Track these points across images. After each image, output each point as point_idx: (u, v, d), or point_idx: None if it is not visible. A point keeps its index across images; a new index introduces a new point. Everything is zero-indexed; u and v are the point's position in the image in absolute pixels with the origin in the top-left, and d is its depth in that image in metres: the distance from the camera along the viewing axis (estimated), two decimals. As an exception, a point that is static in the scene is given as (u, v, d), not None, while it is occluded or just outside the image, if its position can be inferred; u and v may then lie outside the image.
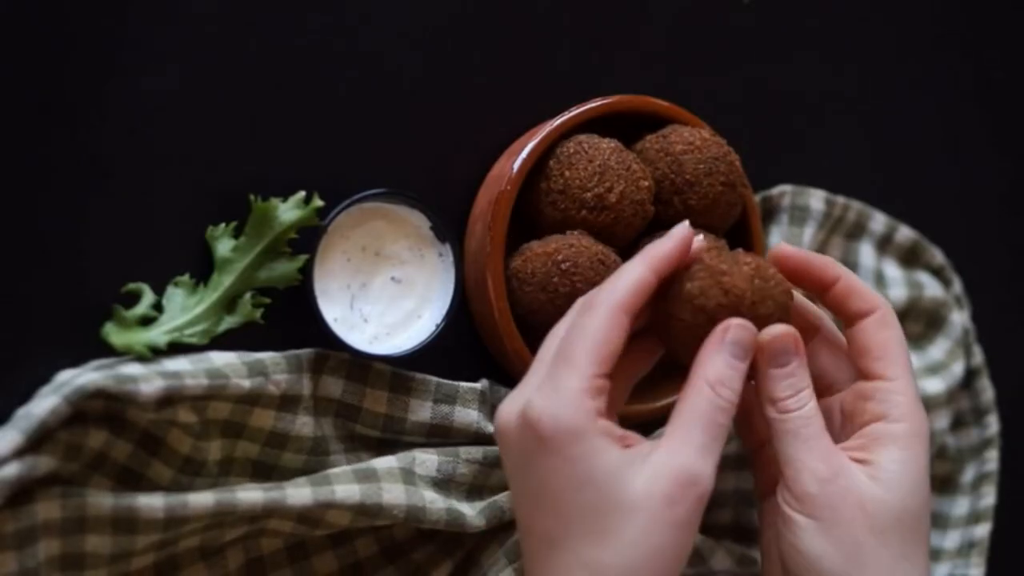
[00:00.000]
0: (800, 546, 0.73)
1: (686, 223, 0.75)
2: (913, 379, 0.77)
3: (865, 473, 0.73)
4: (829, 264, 0.78)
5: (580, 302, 0.75)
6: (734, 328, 0.72)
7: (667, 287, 0.74)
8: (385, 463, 0.82)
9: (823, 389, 0.79)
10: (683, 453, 0.70)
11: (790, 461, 0.73)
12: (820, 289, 0.78)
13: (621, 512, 0.69)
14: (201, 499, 0.75)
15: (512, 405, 0.73)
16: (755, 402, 0.77)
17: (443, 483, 0.83)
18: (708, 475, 0.70)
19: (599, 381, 0.71)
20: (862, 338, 0.77)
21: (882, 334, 0.77)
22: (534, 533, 0.72)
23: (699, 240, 0.76)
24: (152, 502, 0.74)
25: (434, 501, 0.82)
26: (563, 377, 0.70)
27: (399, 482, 0.81)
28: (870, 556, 0.72)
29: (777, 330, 0.74)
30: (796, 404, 0.74)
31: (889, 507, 0.73)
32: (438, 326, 0.83)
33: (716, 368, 0.72)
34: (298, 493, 0.78)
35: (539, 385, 0.71)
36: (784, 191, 0.94)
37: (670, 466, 0.70)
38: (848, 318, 0.78)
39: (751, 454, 0.82)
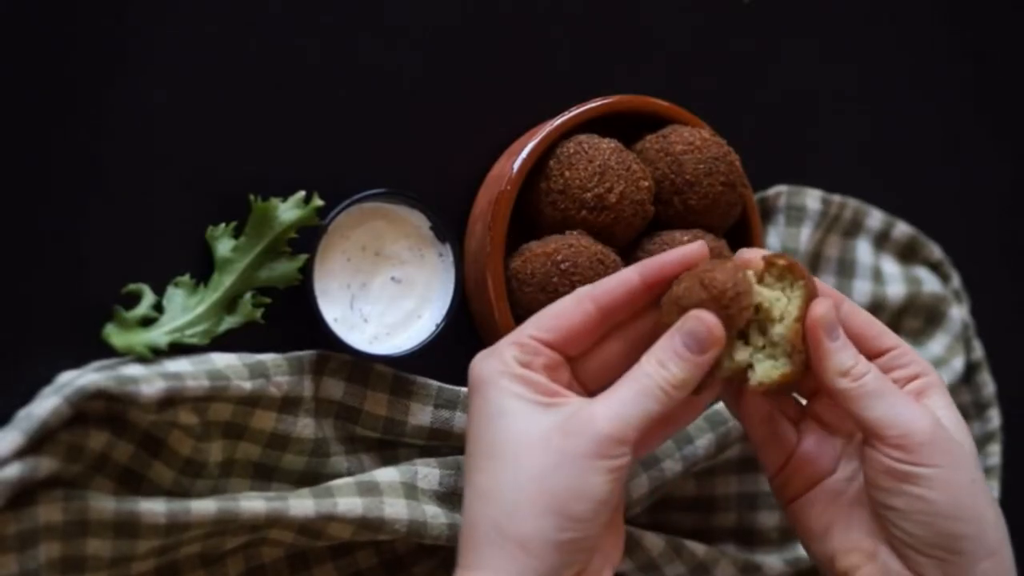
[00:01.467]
0: (931, 496, 0.72)
1: (704, 246, 0.75)
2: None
3: (949, 423, 0.75)
4: (886, 332, 0.78)
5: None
6: (690, 319, 0.71)
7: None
8: (388, 476, 0.82)
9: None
10: (600, 403, 0.70)
11: (888, 421, 0.73)
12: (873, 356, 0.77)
13: (516, 442, 0.70)
14: (203, 506, 0.75)
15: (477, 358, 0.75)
16: (776, 417, 0.78)
17: (445, 496, 0.83)
18: (617, 427, 0.69)
19: (533, 342, 0.72)
20: (849, 326, 0.75)
21: (859, 315, 0.77)
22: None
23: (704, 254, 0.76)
24: (154, 507, 0.74)
25: (436, 516, 0.82)
26: (508, 337, 0.73)
27: (401, 496, 0.81)
28: (982, 490, 0.74)
29: (823, 306, 0.73)
30: (866, 368, 0.74)
31: (968, 445, 0.76)
32: (438, 326, 0.83)
33: (663, 351, 0.71)
34: (301, 504, 0.78)
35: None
36: (780, 191, 0.94)
37: (581, 410, 0.70)
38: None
39: (776, 472, 0.80)
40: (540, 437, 0.70)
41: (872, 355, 0.76)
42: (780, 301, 0.74)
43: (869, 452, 0.74)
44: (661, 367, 0.71)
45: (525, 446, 0.70)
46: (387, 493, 0.81)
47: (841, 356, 0.74)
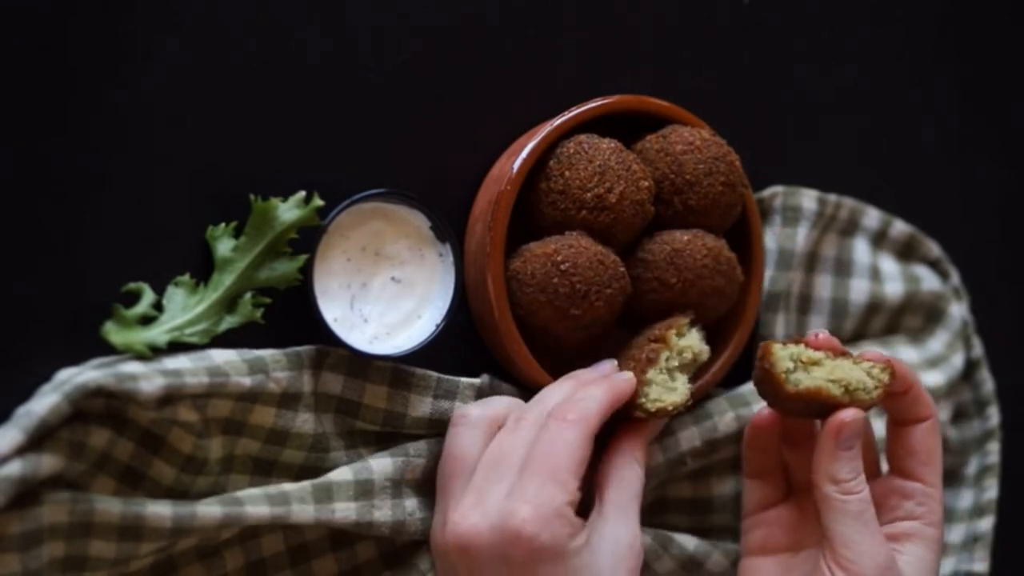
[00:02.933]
0: None
1: (632, 378, 0.82)
2: (942, 487, 0.83)
3: (903, 562, 0.79)
4: (907, 369, 0.82)
5: (536, 412, 0.79)
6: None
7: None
8: (382, 466, 0.82)
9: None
10: (627, 526, 0.78)
11: (849, 543, 0.78)
12: (899, 395, 0.82)
13: None
14: (209, 511, 0.76)
15: (477, 516, 0.76)
16: (775, 465, 0.83)
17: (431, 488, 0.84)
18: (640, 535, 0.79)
19: (579, 495, 0.77)
20: (912, 440, 0.82)
21: (931, 440, 0.82)
22: None
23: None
24: (160, 511, 0.74)
25: (413, 512, 0.83)
26: (551, 488, 0.75)
27: (388, 496, 0.82)
28: None
29: (852, 414, 0.78)
30: (858, 487, 0.79)
31: None
32: (438, 326, 0.83)
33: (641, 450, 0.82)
34: (302, 510, 0.78)
35: (521, 497, 0.75)
36: (776, 192, 0.94)
37: (624, 542, 0.78)
38: (906, 420, 0.83)
39: (756, 507, 0.86)
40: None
41: (903, 476, 0.82)
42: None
43: (821, 561, 0.79)
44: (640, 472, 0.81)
45: None
46: (378, 495, 0.81)
47: (841, 466, 0.79)
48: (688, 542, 0.88)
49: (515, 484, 0.76)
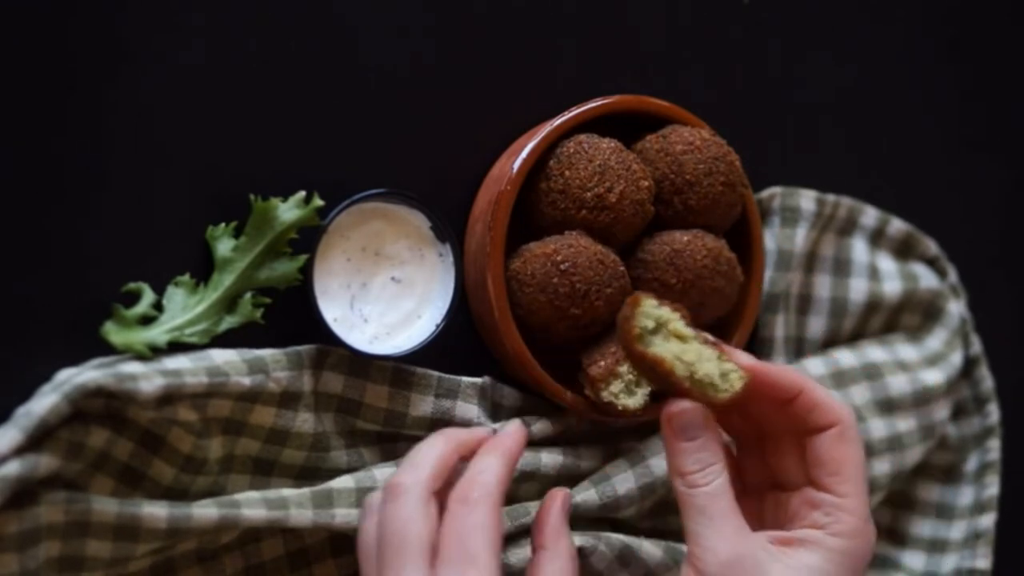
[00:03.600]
0: None
1: (520, 427, 0.79)
2: (866, 498, 0.77)
3: (783, 564, 0.74)
4: (791, 377, 0.78)
5: (411, 478, 0.74)
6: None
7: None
8: (384, 477, 0.82)
9: (785, 485, 0.79)
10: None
11: (695, 537, 0.74)
12: (782, 403, 0.78)
13: None
14: (205, 513, 0.75)
15: None
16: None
17: None
18: None
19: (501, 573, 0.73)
20: (819, 450, 0.77)
21: (839, 449, 0.76)
22: None
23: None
24: (156, 512, 0.74)
25: None
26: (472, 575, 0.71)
27: None
28: None
29: (682, 406, 0.75)
30: (703, 479, 0.75)
31: None
32: (438, 326, 0.83)
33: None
34: (300, 514, 0.78)
35: None
36: (774, 192, 0.94)
37: None
38: (808, 431, 0.78)
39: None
40: None
41: (814, 486, 0.77)
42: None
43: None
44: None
45: None
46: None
47: (684, 458, 0.75)
48: (654, 553, 0.88)
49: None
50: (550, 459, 0.85)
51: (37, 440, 0.72)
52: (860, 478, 0.77)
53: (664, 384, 0.76)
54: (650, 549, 0.86)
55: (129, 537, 0.74)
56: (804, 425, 0.77)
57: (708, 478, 0.75)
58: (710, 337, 0.77)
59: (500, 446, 0.76)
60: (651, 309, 0.75)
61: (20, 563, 0.72)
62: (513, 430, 0.78)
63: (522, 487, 0.85)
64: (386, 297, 0.83)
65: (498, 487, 0.74)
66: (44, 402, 0.72)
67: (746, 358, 0.77)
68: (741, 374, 0.76)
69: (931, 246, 1.00)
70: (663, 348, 0.75)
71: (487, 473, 0.74)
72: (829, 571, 0.75)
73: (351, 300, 0.82)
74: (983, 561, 0.97)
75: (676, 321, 0.76)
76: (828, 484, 0.76)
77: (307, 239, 0.80)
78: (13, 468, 0.71)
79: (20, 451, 0.71)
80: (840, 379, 0.94)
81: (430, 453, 0.76)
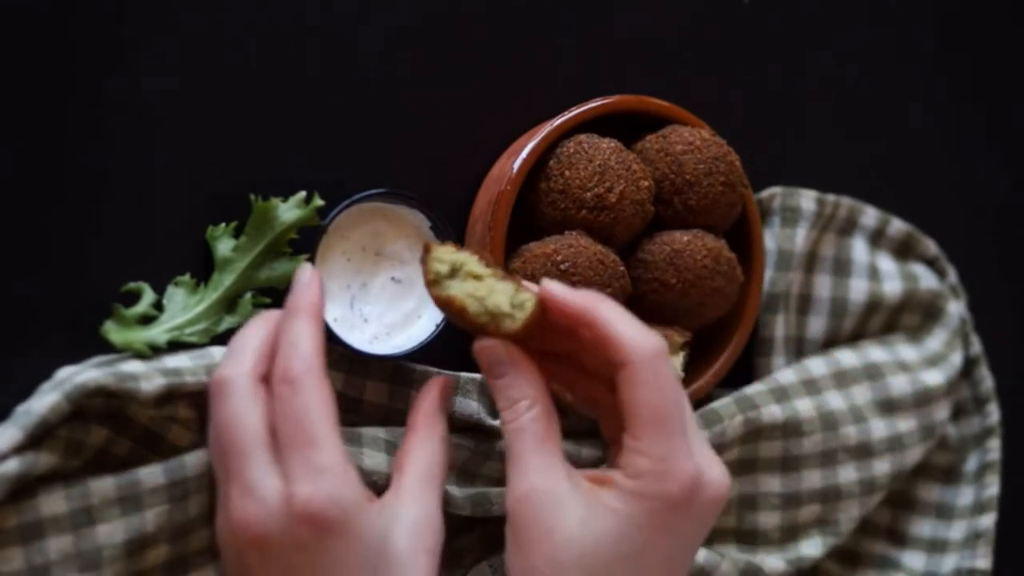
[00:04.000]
0: (506, 561, 0.72)
1: (313, 272, 0.75)
2: (672, 440, 0.72)
3: (583, 501, 0.72)
4: (582, 303, 0.73)
5: (234, 370, 0.72)
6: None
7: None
8: (375, 463, 0.82)
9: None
10: (423, 504, 0.74)
11: (507, 478, 0.73)
12: (588, 339, 0.74)
13: (399, 571, 0.72)
14: (196, 458, 0.76)
15: (253, 509, 0.69)
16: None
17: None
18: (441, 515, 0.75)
19: (342, 444, 0.71)
20: (619, 391, 0.73)
21: (627, 391, 0.72)
22: None
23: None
24: (152, 470, 0.75)
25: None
26: (317, 458, 0.69)
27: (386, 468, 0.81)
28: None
29: (485, 341, 0.74)
30: (511, 416, 0.73)
31: (574, 544, 0.71)
32: (438, 326, 0.83)
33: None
34: None
35: (293, 476, 0.69)
36: (774, 193, 0.94)
37: (421, 521, 0.73)
38: (603, 365, 0.74)
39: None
40: (414, 564, 0.74)
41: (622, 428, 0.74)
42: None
43: None
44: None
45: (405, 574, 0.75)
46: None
47: (496, 396, 0.74)
48: (698, 554, 0.88)
49: (279, 465, 0.70)
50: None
51: (37, 438, 0.72)
52: (659, 419, 0.72)
53: (466, 324, 0.74)
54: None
55: (135, 506, 0.74)
56: (598, 359, 0.74)
57: (513, 415, 0.73)
58: (508, 273, 0.75)
59: (302, 304, 0.74)
60: (445, 255, 0.74)
61: (26, 557, 0.72)
62: (307, 279, 0.75)
63: None
64: (386, 297, 0.83)
65: (316, 354, 0.71)
66: (44, 401, 0.72)
67: (545, 285, 0.74)
68: (530, 295, 0.74)
69: (931, 246, 1.00)
70: (457, 288, 0.74)
71: (301, 343, 0.72)
72: (622, 511, 0.72)
73: (351, 300, 0.82)
74: (983, 561, 0.97)
75: (474, 263, 0.74)
76: (626, 425, 0.73)
77: (307, 239, 0.81)
78: (12, 466, 0.71)
79: (20, 449, 0.71)
80: (842, 379, 0.94)
81: (250, 339, 0.73)
